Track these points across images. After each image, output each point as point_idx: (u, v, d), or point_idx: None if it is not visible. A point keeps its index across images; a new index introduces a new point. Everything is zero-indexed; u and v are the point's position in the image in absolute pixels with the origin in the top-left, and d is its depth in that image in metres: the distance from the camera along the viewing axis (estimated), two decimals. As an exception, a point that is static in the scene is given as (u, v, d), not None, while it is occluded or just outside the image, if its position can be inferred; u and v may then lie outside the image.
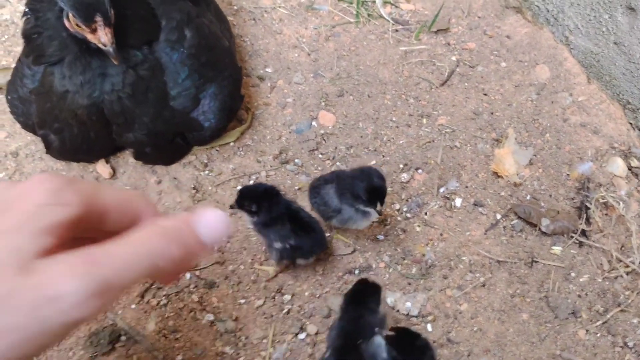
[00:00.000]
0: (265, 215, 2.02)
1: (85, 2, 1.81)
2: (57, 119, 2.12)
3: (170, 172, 2.45)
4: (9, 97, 2.28)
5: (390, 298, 2.08)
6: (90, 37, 1.87)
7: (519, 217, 2.31)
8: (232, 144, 2.55)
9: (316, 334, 2.05)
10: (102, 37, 1.85)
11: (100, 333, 2.00)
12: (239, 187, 2.35)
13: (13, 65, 2.79)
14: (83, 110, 2.06)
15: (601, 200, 2.35)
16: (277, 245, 2.05)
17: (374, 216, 2.05)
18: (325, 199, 2.10)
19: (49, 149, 2.29)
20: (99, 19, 1.83)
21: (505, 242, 2.27)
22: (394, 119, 2.67)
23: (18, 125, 2.56)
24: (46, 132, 2.21)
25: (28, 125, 2.30)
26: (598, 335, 2.05)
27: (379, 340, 1.70)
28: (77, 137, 2.16)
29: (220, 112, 2.27)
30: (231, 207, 2.07)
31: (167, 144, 2.28)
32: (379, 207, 1.95)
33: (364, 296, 1.81)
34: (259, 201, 2.00)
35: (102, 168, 2.42)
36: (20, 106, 2.23)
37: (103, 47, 1.87)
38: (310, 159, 2.54)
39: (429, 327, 2.05)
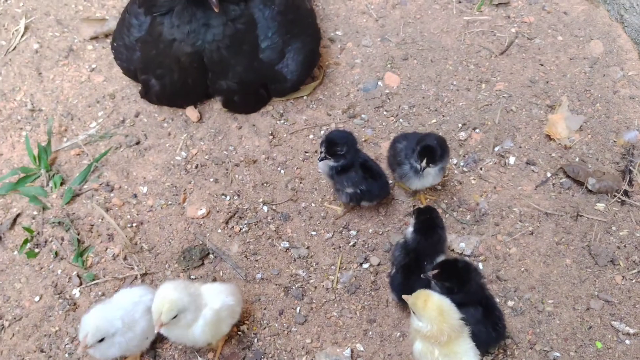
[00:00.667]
0: (345, 160, 2.25)
1: None
2: (161, 66, 2.40)
3: (250, 119, 2.73)
4: (115, 44, 2.57)
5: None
6: None
7: (568, 176, 2.52)
8: (305, 97, 2.81)
9: (378, 264, 2.31)
10: None
11: (192, 250, 2.30)
12: (324, 133, 2.58)
13: (107, 16, 3.10)
14: (187, 57, 2.34)
15: (645, 166, 2.54)
16: (349, 190, 2.29)
17: (429, 180, 2.28)
18: (397, 151, 2.34)
19: (148, 94, 2.58)
20: None
21: (553, 197, 2.49)
22: (454, 82, 2.89)
23: (114, 70, 2.87)
24: (148, 77, 2.49)
25: (130, 71, 2.60)
26: (633, 281, 2.26)
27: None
28: (176, 82, 2.45)
29: (302, 65, 2.53)
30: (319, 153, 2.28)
31: (253, 93, 2.56)
32: (424, 163, 2.17)
33: (430, 222, 2.07)
34: (347, 145, 2.23)
35: (191, 112, 2.71)
36: (125, 52, 2.52)
37: None
38: (376, 115, 2.77)
39: (480, 265, 2.29)
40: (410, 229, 2.11)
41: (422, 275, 2.02)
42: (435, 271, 1.98)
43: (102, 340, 1.83)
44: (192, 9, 2.24)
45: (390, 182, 2.45)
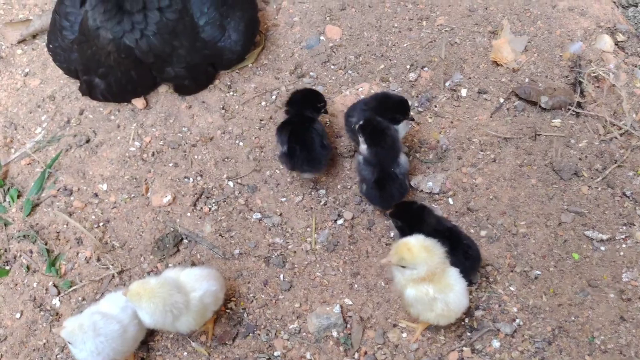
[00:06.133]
0: None
1: None
2: (101, 64, 2.31)
3: (199, 97, 2.67)
4: (51, 46, 2.47)
5: (413, 181, 2.34)
6: None
7: (520, 99, 2.55)
8: (250, 65, 2.75)
9: (352, 218, 2.32)
10: None
11: (165, 238, 2.28)
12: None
13: (30, 16, 2.97)
14: (112, 47, 2.26)
15: (592, 75, 2.58)
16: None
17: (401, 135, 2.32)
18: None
19: (92, 92, 2.50)
20: None
21: (509, 121, 2.52)
22: (395, 24, 2.86)
23: (49, 70, 2.77)
24: (91, 77, 2.41)
25: (71, 71, 2.50)
26: (599, 189, 2.33)
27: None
28: (121, 78, 2.37)
29: (244, 35, 2.47)
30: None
31: (203, 72, 2.50)
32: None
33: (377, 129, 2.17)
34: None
35: (136, 100, 2.63)
36: (62, 54, 2.42)
37: None
38: (324, 71, 2.75)
39: (450, 200, 2.33)
40: (363, 145, 2.18)
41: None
42: (391, 210, 2.14)
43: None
44: None
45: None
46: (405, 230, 2.06)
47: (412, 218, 2.09)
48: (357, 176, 2.30)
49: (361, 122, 2.17)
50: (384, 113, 2.21)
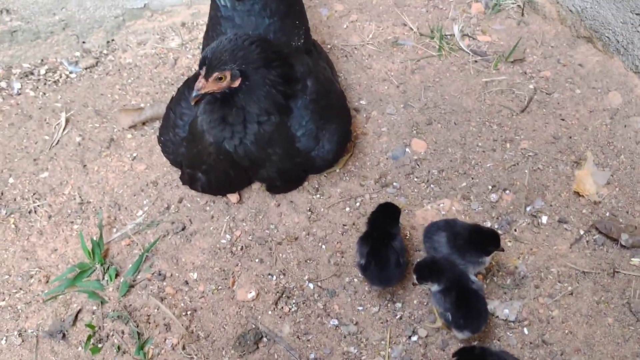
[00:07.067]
0: None
1: (205, 55, 2.29)
2: (205, 162, 2.54)
3: (287, 196, 2.85)
4: (162, 139, 2.72)
5: (490, 305, 2.40)
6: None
7: (600, 233, 2.60)
8: (338, 170, 2.93)
9: (426, 336, 2.39)
10: (197, 83, 2.30)
11: (246, 335, 2.40)
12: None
13: (142, 104, 3.26)
14: (213, 149, 2.48)
15: (676, 216, 2.62)
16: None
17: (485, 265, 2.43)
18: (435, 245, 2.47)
19: (193, 184, 2.72)
20: (202, 71, 2.28)
21: (588, 254, 2.57)
22: (479, 144, 2.99)
23: (154, 157, 3.02)
24: (194, 172, 2.63)
25: (176, 163, 2.74)
26: (678, 337, 2.33)
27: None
28: (220, 176, 2.59)
29: (337, 145, 2.65)
30: None
31: (293, 177, 2.70)
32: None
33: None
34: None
35: (231, 195, 2.83)
36: (171, 147, 2.67)
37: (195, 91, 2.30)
38: (407, 182, 2.88)
39: (526, 330, 2.37)
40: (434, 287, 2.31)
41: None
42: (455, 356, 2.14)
43: None
44: (216, 102, 2.38)
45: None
46: None
47: None
48: (436, 306, 2.35)
49: (414, 275, 2.32)
50: (477, 245, 2.32)
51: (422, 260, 2.36)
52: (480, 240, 2.33)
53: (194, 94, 2.30)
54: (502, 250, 2.36)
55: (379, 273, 2.38)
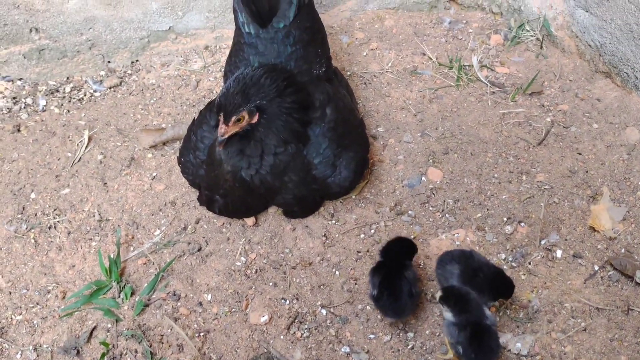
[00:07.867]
0: None
1: (219, 102, 2.36)
2: (222, 186, 2.58)
3: (303, 221, 2.87)
4: (182, 160, 2.77)
5: (502, 339, 2.40)
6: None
7: (615, 269, 2.60)
8: (353, 197, 2.95)
9: (437, 367, 2.39)
10: (220, 129, 2.38)
11: (258, 359, 2.42)
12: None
13: (163, 125, 3.32)
14: (230, 177, 2.52)
15: (692, 255, 2.61)
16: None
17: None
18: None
19: (210, 206, 2.76)
20: (221, 117, 2.36)
21: (603, 291, 2.56)
22: (495, 175, 3.01)
23: (173, 177, 3.07)
24: (212, 194, 2.68)
25: (195, 184, 2.79)
26: (692, 379, 2.30)
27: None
28: (236, 201, 2.64)
29: (354, 173, 2.68)
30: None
31: (309, 203, 2.73)
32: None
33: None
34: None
35: (247, 218, 2.87)
36: (191, 168, 2.72)
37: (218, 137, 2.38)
38: (422, 211, 2.90)
39: (537, 365, 2.36)
40: (448, 314, 2.33)
41: None
42: None
43: None
44: (237, 136, 2.43)
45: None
46: None
47: None
48: (448, 336, 2.36)
49: (441, 294, 2.32)
50: (495, 289, 2.39)
51: (455, 287, 2.37)
52: (500, 287, 2.39)
53: (219, 139, 2.39)
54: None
55: (391, 304, 2.39)
